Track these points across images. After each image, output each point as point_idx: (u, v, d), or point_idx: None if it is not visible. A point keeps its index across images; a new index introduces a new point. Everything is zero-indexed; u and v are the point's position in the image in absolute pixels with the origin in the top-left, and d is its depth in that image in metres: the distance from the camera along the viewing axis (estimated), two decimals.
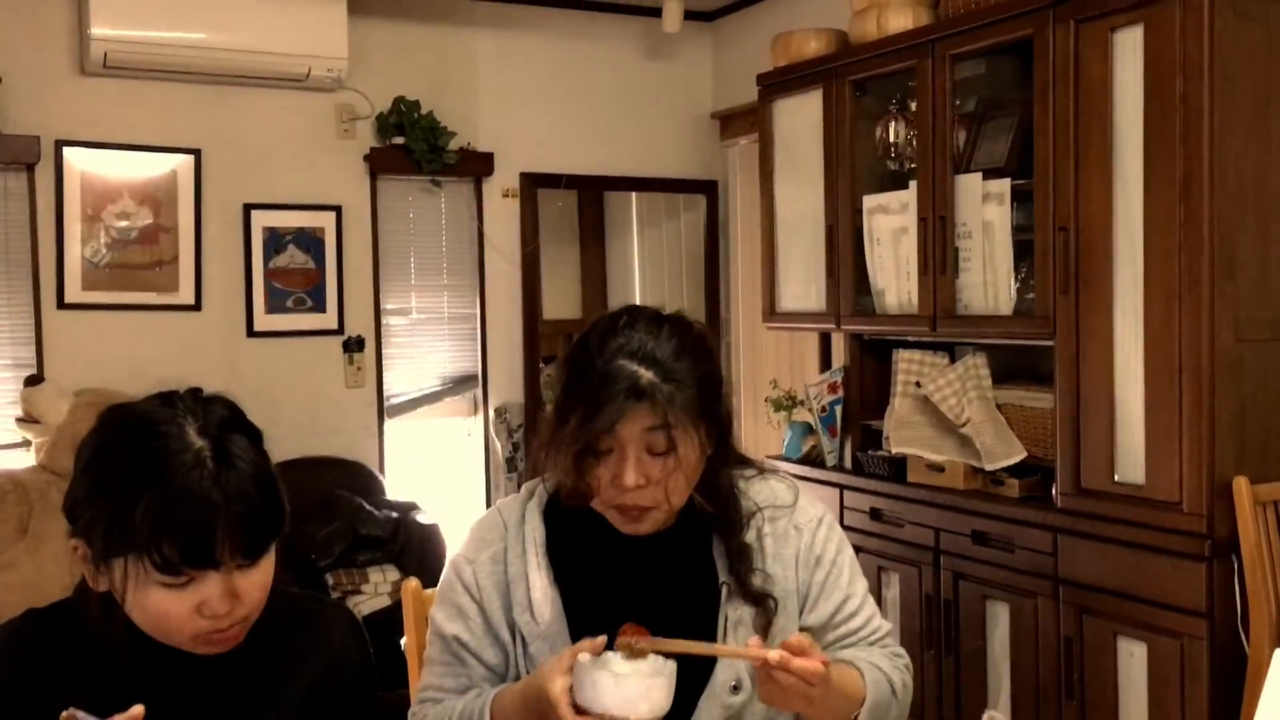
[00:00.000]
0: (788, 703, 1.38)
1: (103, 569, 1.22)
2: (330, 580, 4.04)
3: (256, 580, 1.24)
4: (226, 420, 1.26)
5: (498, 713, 1.45)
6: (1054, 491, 3.09)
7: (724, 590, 1.53)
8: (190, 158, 4.40)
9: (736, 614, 1.52)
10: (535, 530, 1.55)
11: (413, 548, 4.21)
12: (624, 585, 1.52)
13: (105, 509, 1.20)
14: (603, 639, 1.35)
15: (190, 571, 1.19)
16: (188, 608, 1.20)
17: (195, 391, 1.29)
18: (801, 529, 1.60)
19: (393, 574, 4.11)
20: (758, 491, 1.61)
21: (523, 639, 1.51)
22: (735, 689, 1.49)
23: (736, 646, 1.47)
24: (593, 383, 1.43)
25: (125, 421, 1.26)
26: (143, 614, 1.22)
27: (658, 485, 1.44)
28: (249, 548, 1.22)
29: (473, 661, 1.54)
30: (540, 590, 1.51)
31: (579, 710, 1.30)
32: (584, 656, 1.31)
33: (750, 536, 1.56)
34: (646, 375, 1.42)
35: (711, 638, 1.51)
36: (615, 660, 1.32)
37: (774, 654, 1.34)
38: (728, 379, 1.59)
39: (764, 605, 1.53)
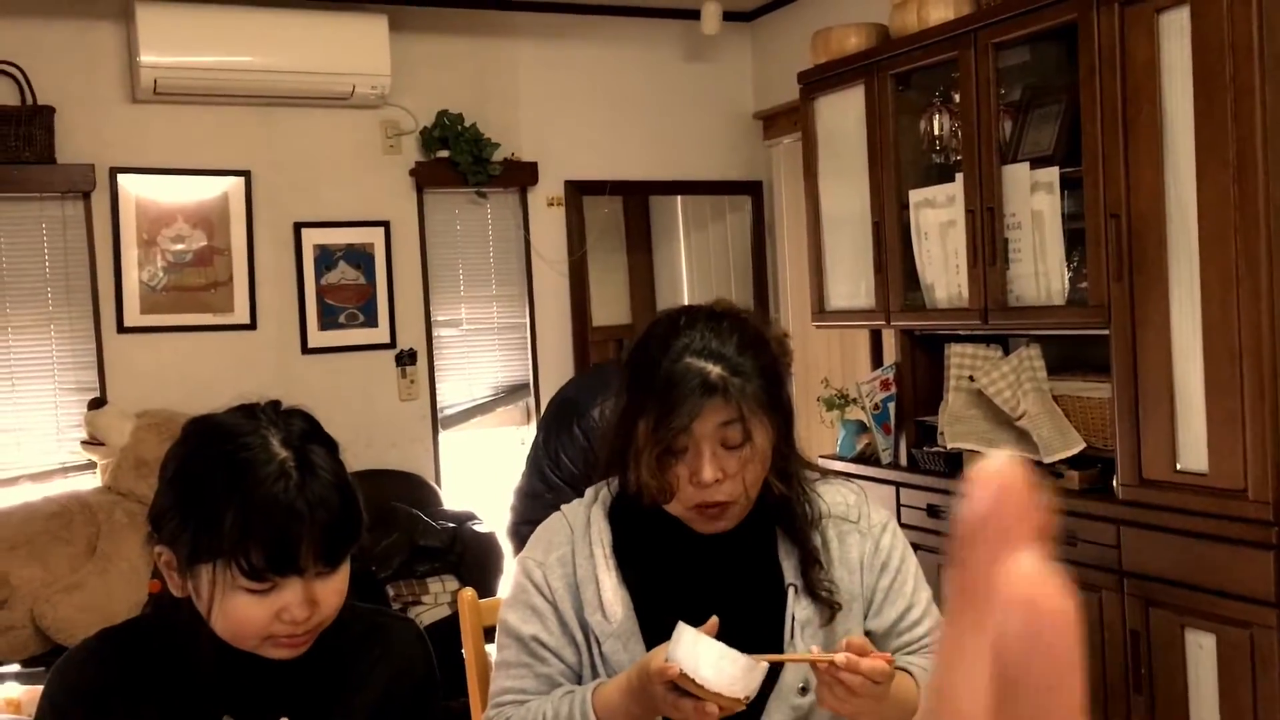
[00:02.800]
0: (853, 705, 1.38)
1: (188, 575, 1.25)
2: (391, 592, 4.08)
3: (334, 588, 1.28)
4: (307, 432, 1.30)
5: (600, 704, 1.46)
6: (1115, 483, 3.04)
7: (790, 591, 1.55)
8: (240, 179, 4.48)
9: (804, 614, 1.54)
10: (602, 532, 1.57)
11: (471, 557, 4.24)
12: (692, 584, 1.54)
13: (193, 517, 1.24)
14: (715, 620, 1.36)
15: (274, 578, 1.23)
16: (269, 613, 1.24)
17: (275, 404, 1.33)
18: (866, 534, 1.61)
19: (452, 584, 4.15)
20: (823, 494, 1.62)
21: (596, 639, 1.53)
22: (804, 690, 1.50)
23: (801, 653, 1.48)
24: (661, 384, 1.46)
25: (211, 433, 1.30)
26: (223, 619, 1.25)
27: (735, 479, 1.46)
28: (330, 555, 1.26)
29: (554, 660, 1.56)
30: (610, 590, 1.53)
31: (677, 681, 1.31)
32: (689, 629, 1.33)
33: (817, 539, 1.57)
34: (716, 370, 1.45)
35: (778, 636, 1.53)
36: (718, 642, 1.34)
37: (840, 656, 1.35)
38: (790, 385, 1.60)
39: (830, 607, 1.53)
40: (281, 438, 1.27)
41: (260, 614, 1.24)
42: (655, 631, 1.47)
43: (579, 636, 1.54)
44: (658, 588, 1.54)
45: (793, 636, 1.52)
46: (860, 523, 1.61)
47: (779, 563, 1.56)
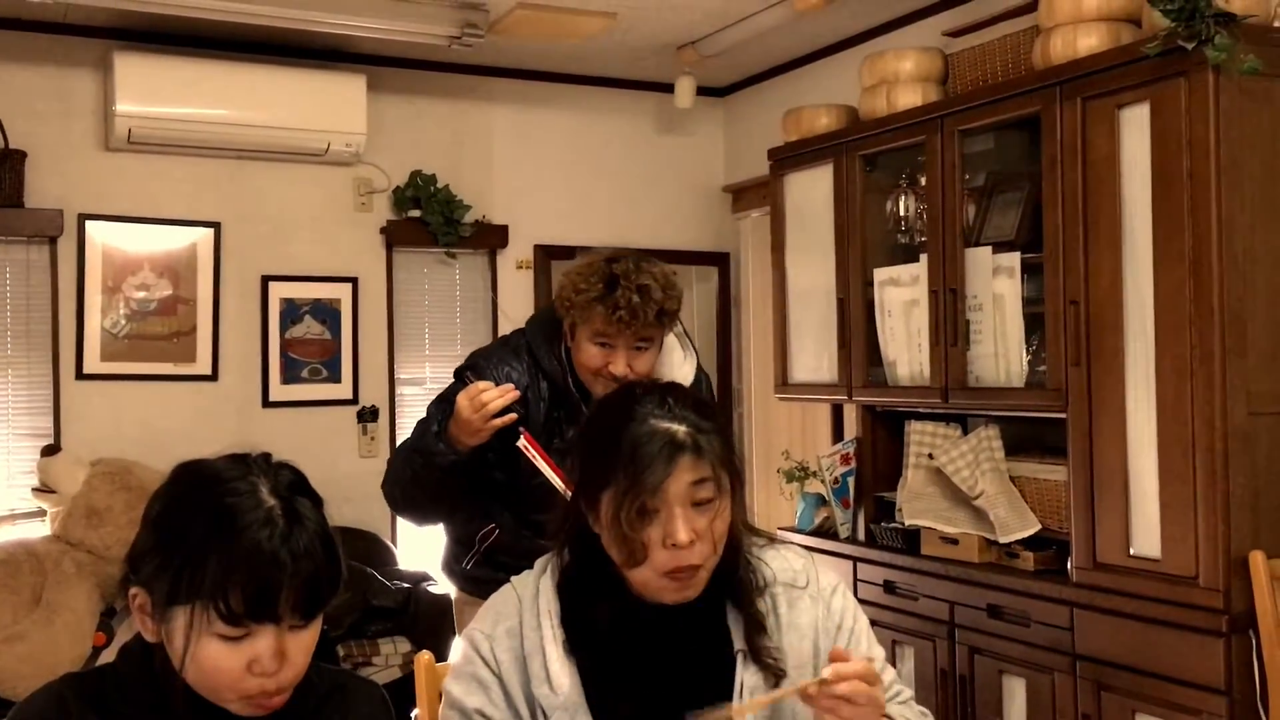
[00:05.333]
0: (860, 715, 1.39)
1: (163, 618, 1.25)
2: (341, 651, 4.02)
3: (304, 643, 1.28)
4: (294, 483, 1.31)
5: None
6: (1069, 565, 3.07)
7: (740, 657, 1.55)
8: (210, 230, 4.47)
9: (752, 681, 1.53)
10: (549, 603, 1.56)
11: (424, 619, 4.19)
12: (641, 655, 1.53)
13: (175, 558, 1.24)
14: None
15: (250, 625, 1.23)
16: (240, 663, 1.24)
17: (266, 456, 1.34)
18: (817, 598, 1.62)
19: (404, 645, 4.09)
20: (769, 560, 1.63)
21: (543, 711, 1.50)
22: None
23: (786, 688, 1.49)
24: (628, 449, 1.46)
25: (200, 476, 1.31)
26: (195, 666, 1.24)
27: (705, 540, 1.48)
28: (308, 607, 1.26)
29: None
30: (557, 662, 1.51)
31: None
32: None
33: (764, 606, 1.58)
34: (682, 429, 1.47)
35: (727, 702, 1.52)
36: None
37: (827, 670, 1.38)
38: (739, 449, 1.64)
39: (775, 674, 1.53)
40: (270, 487, 1.28)
41: (232, 663, 1.24)
42: (603, 705, 1.45)
43: (524, 711, 1.52)
44: (606, 659, 1.53)
45: (742, 700, 1.52)
46: (810, 587, 1.62)
47: (728, 629, 1.57)
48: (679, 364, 2.39)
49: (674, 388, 1.59)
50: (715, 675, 1.54)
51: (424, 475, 2.24)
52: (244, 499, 1.25)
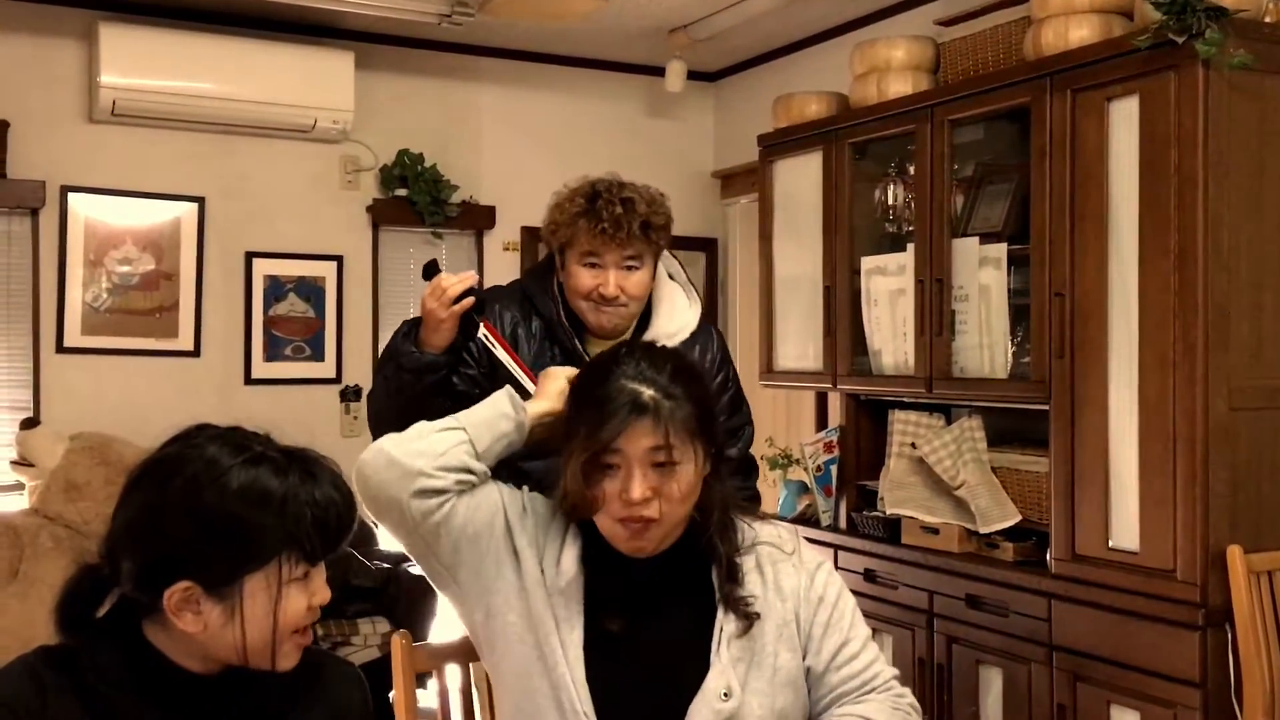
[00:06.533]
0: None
1: (225, 596, 1.28)
2: (320, 630, 4.02)
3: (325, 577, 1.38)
4: (295, 449, 1.38)
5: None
6: (1048, 556, 3.08)
7: (720, 607, 1.61)
8: (194, 205, 4.44)
9: (730, 627, 1.60)
10: (571, 545, 1.65)
11: (404, 600, 4.18)
12: (635, 592, 1.61)
13: (225, 534, 1.27)
14: None
15: (319, 562, 1.34)
16: (305, 604, 1.33)
17: (240, 427, 1.39)
18: (799, 568, 1.68)
19: (383, 626, 4.08)
20: (761, 528, 1.71)
21: (544, 584, 1.60)
22: (726, 695, 1.55)
23: None
24: (596, 402, 1.56)
25: (213, 456, 1.31)
26: (273, 619, 1.30)
27: (664, 498, 1.55)
28: (340, 543, 1.36)
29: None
30: (569, 554, 1.61)
31: None
32: None
33: (750, 563, 1.65)
34: (648, 393, 1.55)
35: (706, 648, 1.59)
36: None
37: None
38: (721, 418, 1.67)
39: (746, 618, 1.60)
40: (280, 452, 1.35)
41: (302, 605, 1.32)
42: (595, 605, 1.59)
43: (514, 555, 1.62)
44: (607, 582, 1.61)
45: (719, 646, 1.58)
46: (794, 556, 1.68)
47: (712, 583, 1.63)
48: (682, 309, 2.35)
49: (659, 351, 1.66)
50: (700, 621, 1.61)
51: (395, 383, 2.18)
52: (273, 463, 1.32)
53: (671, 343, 2.20)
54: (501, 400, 1.69)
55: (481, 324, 2.14)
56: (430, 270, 2.18)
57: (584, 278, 2.21)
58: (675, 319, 2.32)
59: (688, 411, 1.56)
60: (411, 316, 2.25)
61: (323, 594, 1.36)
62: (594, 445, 1.53)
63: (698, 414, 1.57)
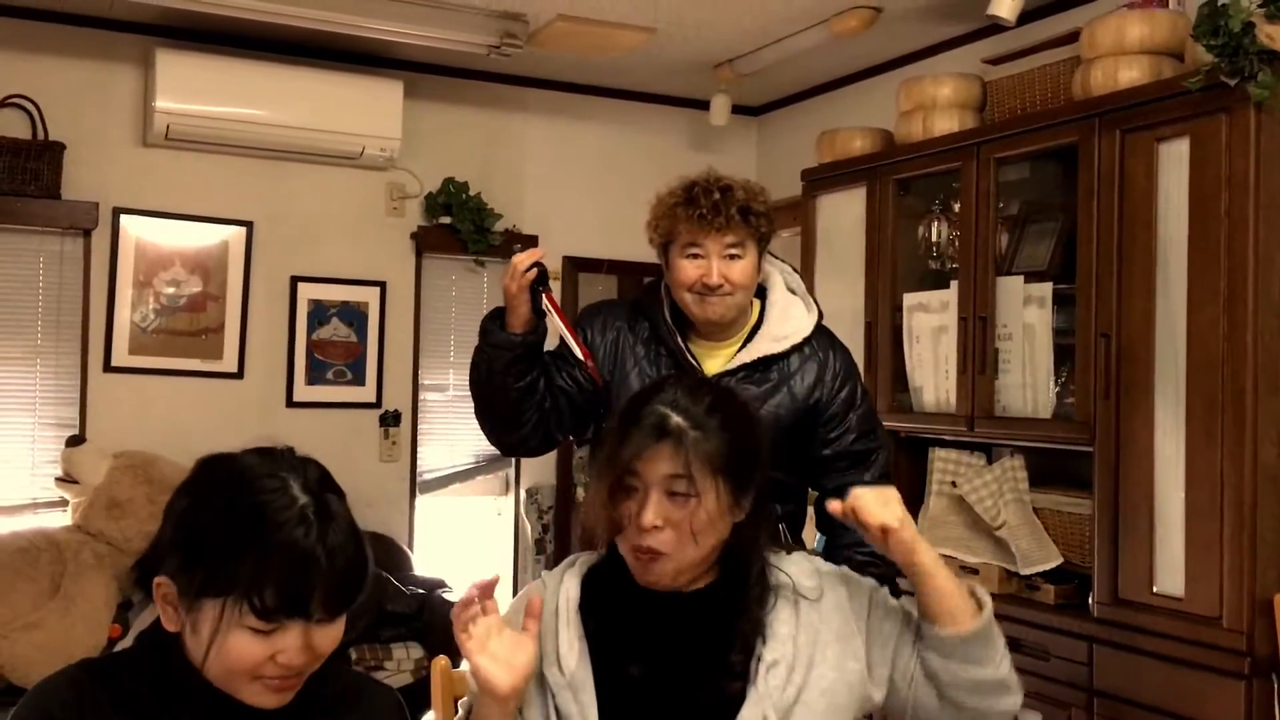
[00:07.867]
0: (887, 512, 1.56)
1: (189, 608, 1.26)
2: (353, 655, 4.02)
3: (330, 636, 1.29)
4: (322, 479, 1.32)
5: None
6: (1091, 600, 3.04)
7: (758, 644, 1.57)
8: (243, 229, 4.50)
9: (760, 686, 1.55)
10: (570, 590, 1.63)
11: (438, 626, 4.18)
12: (652, 640, 1.57)
13: (206, 552, 1.24)
14: None
15: (282, 620, 1.24)
16: (265, 653, 1.25)
17: (290, 450, 1.34)
18: (835, 607, 1.63)
19: (416, 651, 4.09)
20: (787, 566, 1.65)
21: (551, 693, 1.56)
22: None
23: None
24: (626, 424, 1.55)
25: (230, 472, 1.30)
26: (219, 656, 1.25)
27: (676, 531, 1.51)
28: (337, 603, 1.27)
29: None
30: (566, 644, 1.57)
31: None
32: None
33: (772, 610, 1.58)
34: (675, 419, 1.53)
35: (730, 703, 1.53)
36: None
37: (834, 506, 1.59)
38: (759, 455, 1.63)
39: (740, 682, 1.55)
40: (301, 483, 1.28)
41: (258, 653, 1.24)
42: (610, 684, 1.53)
43: (537, 692, 1.57)
44: (618, 643, 1.58)
45: (756, 681, 1.53)
46: (822, 600, 1.62)
47: (734, 629, 1.58)
48: (797, 316, 2.31)
49: (704, 383, 1.66)
50: (726, 663, 1.56)
51: (478, 356, 2.31)
52: (276, 496, 1.26)
53: (779, 346, 2.21)
54: None
55: (544, 295, 2.23)
56: (540, 278, 2.25)
57: (687, 269, 2.23)
58: (788, 324, 2.29)
59: (716, 445, 1.52)
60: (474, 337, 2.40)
61: (295, 656, 1.25)
62: (615, 466, 1.53)
63: (728, 450, 1.53)
